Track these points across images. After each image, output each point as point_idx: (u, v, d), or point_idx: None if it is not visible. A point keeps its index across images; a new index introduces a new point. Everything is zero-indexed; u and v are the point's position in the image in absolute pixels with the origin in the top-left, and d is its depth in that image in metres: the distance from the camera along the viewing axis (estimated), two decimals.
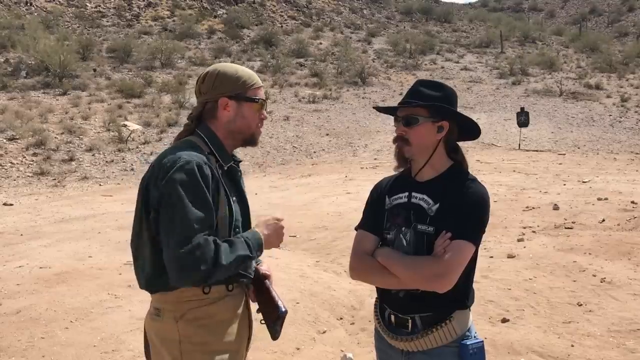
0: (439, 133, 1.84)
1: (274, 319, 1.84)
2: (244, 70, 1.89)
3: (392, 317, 1.88)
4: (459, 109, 1.89)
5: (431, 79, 2.00)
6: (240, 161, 1.97)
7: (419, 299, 1.79)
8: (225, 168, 1.83)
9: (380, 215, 1.92)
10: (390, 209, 1.91)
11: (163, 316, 1.80)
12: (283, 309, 1.85)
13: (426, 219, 1.80)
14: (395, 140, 1.88)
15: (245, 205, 1.89)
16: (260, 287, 1.89)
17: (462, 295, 1.82)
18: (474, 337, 1.84)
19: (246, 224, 1.87)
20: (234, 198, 1.82)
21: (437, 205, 1.79)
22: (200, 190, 1.68)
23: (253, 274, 1.92)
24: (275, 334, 1.86)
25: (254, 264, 1.93)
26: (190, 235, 1.63)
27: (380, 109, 2.02)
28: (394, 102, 21.56)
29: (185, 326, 1.77)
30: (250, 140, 1.92)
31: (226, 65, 1.89)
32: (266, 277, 1.93)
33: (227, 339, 1.81)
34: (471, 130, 1.94)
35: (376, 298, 1.99)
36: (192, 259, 1.61)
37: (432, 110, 1.82)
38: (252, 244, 1.75)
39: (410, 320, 1.83)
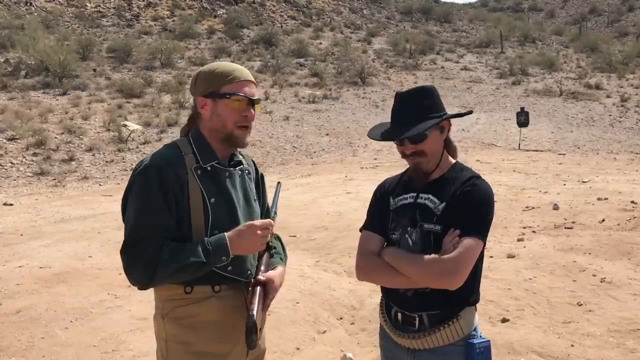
0: (443, 134, 1.88)
1: (245, 327, 1.70)
2: (225, 66, 1.81)
3: (399, 314, 1.88)
4: (459, 109, 1.90)
5: (408, 90, 1.91)
6: (238, 160, 1.91)
7: (427, 297, 1.80)
8: (208, 168, 1.78)
9: (385, 216, 1.93)
10: (395, 210, 1.91)
11: (156, 314, 1.83)
12: (253, 318, 1.68)
13: (433, 218, 1.81)
14: (406, 156, 1.85)
15: (232, 206, 1.81)
16: (251, 292, 1.80)
17: (469, 292, 1.83)
18: (480, 336, 1.85)
19: (235, 226, 1.78)
20: (212, 200, 1.76)
21: (443, 204, 1.80)
22: (153, 195, 1.69)
23: (250, 277, 1.84)
24: (249, 344, 1.69)
25: (251, 266, 1.85)
26: (133, 239, 1.68)
27: (382, 140, 1.90)
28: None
29: (170, 324, 1.77)
30: (229, 139, 1.81)
31: (211, 65, 1.85)
32: (259, 282, 1.79)
33: (212, 341, 1.77)
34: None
35: (381, 297, 1.99)
36: (131, 263, 1.67)
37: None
38: (213, 248, 1.69)
39: (417, 318, 1.83)
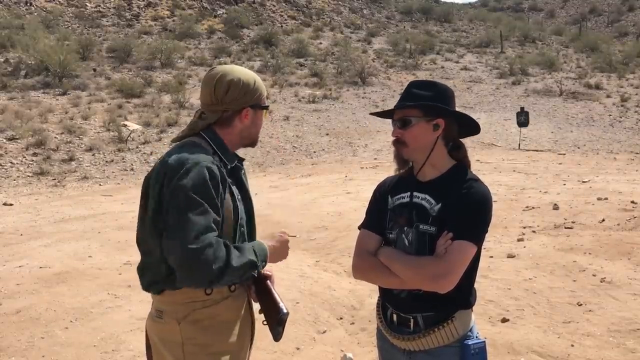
0: (435, 131, 1.84)
1: (276, 320, 1.83)
2: (256, 78, 1.93)
3: (394, 316, 1.87)
4: (459, 109, 1.89)
5: (423, 79, 2.02)
6: (244, 160, 1.97)
7: (421, 299, 1.79)
8: (230, 167, 1.84)
9: (383, 215, 1.92)
10: (392, 209, 1.91)
11: (165, 318, 1.79)
12: (285, 311, 1.83)
13: (428, 219, 1.80)
14: (393, 143, 1.89)
15: (249, 203, 1.90)
16: (261, 287, 1.88)
17: (464, 295, 1.82)
18: (476, 337, 1.83)
19: (250, 222, 1.89)
20: (238, 197, 1.83)
21: (439, 205, 1.79)
22: (209, 193, 1.68)
23: (256, 273, 1.91)
24: (277, 336, 1.84)
25: None
26: (202, 235, 1.63)
27: (377, 114, 2.03)
28: (393, 102, 21.67)
29: (188, 328, 1.76)
30: (253, 143, 1.99)
31: (246, 74, 1.89)
32: (267, 277, 1.91)
33: (229, 339, 1.81)
34: (470, 126, 1.93)
35: (378, 297, 1.98)
36: (204, 259, 1.60)
37: (424, 109, 1.82)
38: (258, 252, 1.76)
39: (412, 320, 1.83)
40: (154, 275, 1.79)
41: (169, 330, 1.78)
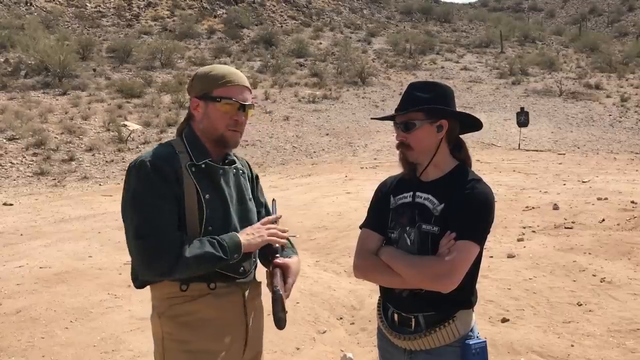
0: (439, 133, 1.84)
1: (272, 302, 1.73)
2: (221, 69, 1.85)
3: (396, 315, 1.87)
4: (459, 109, 1.88)
5: (423, 80, 2.02)
6: (233, 160, 1.93)
7: (423, 299, 1.79)
8: (202, 166, 1.80)
9: (385, 215, 1.92)
10: (395, 209, 1.91)
11: (153, 312, 1.83)
12: (278, 291, 1.73)
13: (431, 218, 1.80)
14: (398, 147, 1.88)
15: (225, 203, 1.83)
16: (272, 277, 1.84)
17: (465, 295, 1.82)
18: (477, 337, 1.84)
19: (228, 224, 1.82)
20: (206, 196, 1.78)
21: (442, 205, 1.79)
22: (156, 187, 1.70)
23: (248, 275, 1.87)
24: (278, 322, 1.71)
25: (245, 263, 1.87)
26: (150, 228, 1.66)
27: (380, 119, 2.04)
28: (393, 102, 21.64)
29: (167, 322, 1.77)
30: (220, 141, 1.85)
31: (209, 66, 1.91)
32: (277, 265, 1.83)
33: (210, 339, 1.78)
34: (472, 124, 1.94)
35: (379, 297, 1.98)
36: (152, 252, 1.65)
37: (427, 112, 1.82)
38: (228, 244, 1.74)
39: (413, 319, 1.83)
40: (134, 269, 1.82)
41: (155, 324, 1.81)
